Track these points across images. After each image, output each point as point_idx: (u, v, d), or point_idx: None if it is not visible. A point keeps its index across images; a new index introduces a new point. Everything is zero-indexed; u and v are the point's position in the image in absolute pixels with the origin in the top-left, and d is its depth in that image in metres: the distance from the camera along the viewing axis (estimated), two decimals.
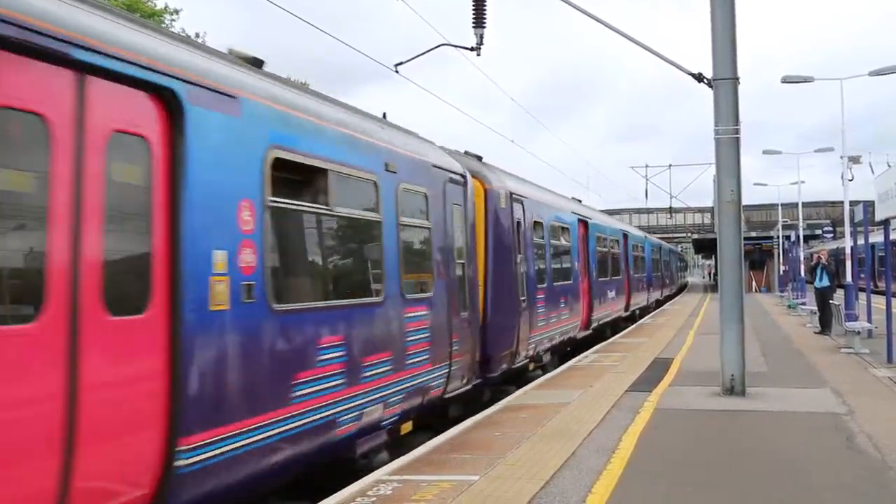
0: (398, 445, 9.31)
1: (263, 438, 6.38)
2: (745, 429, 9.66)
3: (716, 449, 8.68)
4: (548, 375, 14.79)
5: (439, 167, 10.66)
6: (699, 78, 12.67)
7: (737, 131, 12.24)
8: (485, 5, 13.14)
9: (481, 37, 13.37)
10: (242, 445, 6.13)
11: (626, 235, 29.07)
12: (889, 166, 19.48)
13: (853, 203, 24.38)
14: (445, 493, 6.99)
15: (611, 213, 47.90)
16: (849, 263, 23.86)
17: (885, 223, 16.58)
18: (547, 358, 16.06)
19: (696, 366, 15.07)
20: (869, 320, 18.47)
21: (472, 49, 13.52)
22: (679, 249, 72.81)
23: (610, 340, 21.98)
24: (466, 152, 13.69)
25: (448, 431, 9.88)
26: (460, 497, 6.85)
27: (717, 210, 12.72)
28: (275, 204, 6.72)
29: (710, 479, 7.47)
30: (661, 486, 7.24)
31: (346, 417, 7.73)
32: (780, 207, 52.18)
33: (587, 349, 19.13)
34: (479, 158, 13.81)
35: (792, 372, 14.37)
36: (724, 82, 12.26)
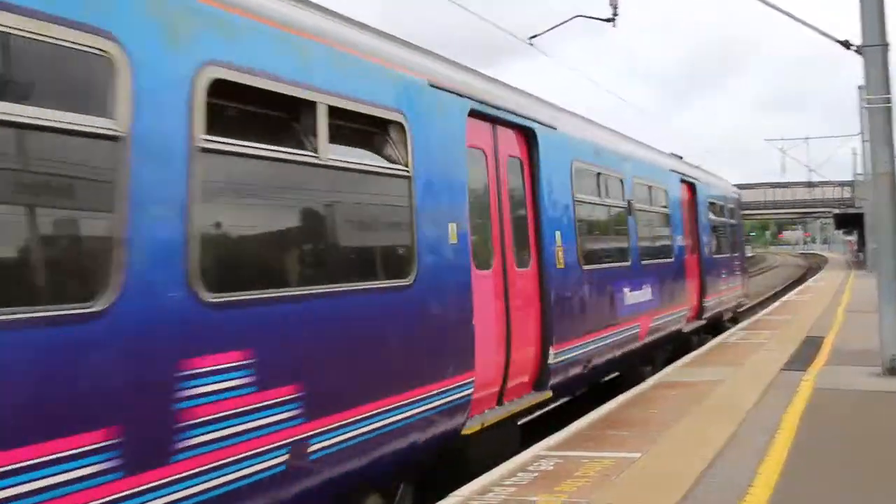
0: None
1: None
2: None
3: (885, 432, 8.37)
4: (695, 353, 14.67)
5: None
6: (846, 45, 12.26)
7: (888, 100, 11.80)
8: None
9: (615, 8, 13.36)
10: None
11: (693, 187, 17.10)
12: None
13: None
14: (608, 469, 7.04)
15: (743, 187, 46.24)
16: None
17: None
18: None
19: (850, 345, 14.54)
20: None
21: (607, 20, 13.51)
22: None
23: (756, 318, 21.58)
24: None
25: (601, 408, 9.99)
26: (623, 475, 6.88)
27: (864, 183, 12.27)
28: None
29: (884, 462, 7.21)
30: (832, 469, 7.05)
31: None
32: None
33: None
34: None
35: None
36: (872, 49, 11.81)
